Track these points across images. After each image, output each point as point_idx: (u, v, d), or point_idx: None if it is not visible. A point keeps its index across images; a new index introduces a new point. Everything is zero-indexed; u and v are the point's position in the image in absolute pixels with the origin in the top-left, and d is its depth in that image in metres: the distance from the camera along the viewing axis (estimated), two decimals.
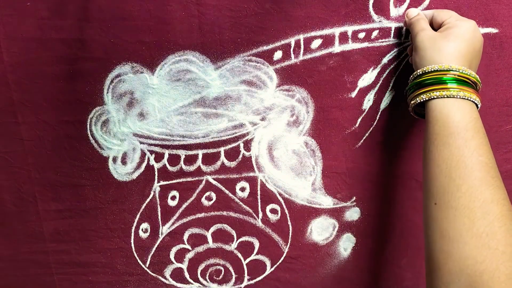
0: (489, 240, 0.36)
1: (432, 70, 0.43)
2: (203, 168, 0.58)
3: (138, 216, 0.60)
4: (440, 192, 0.40)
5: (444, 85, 0.42)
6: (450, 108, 0.42)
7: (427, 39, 0.45)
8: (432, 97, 0.43)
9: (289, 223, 0.59)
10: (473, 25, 0.45)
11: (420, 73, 0.44)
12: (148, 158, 0.58)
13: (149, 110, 0.55)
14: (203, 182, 0.58)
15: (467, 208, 0.38)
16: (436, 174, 0.41)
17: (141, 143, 0.57)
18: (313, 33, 0.52)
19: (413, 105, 0.46)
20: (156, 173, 0.58)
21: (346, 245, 0.61)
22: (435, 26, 0.48)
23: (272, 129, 0.56)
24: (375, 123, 0.55)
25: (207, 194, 0.59)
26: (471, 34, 0.45)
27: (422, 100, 0.44)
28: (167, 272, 0.62)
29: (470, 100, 0.42)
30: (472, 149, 0.40)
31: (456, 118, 0.41)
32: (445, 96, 0.42)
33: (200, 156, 0.57)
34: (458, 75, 0.42)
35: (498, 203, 0.37)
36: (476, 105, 0.43)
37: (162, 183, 0.59)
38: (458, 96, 0.42)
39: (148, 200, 0.59)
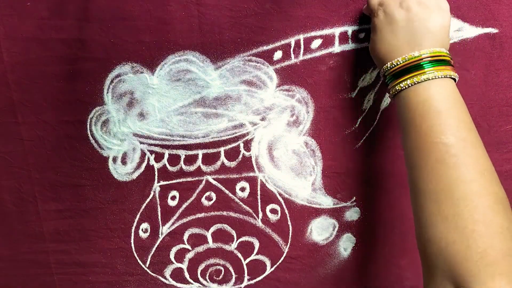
0: (456, 220, 0.36)
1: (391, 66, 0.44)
2: (203, 168, 0.58)
3: (138, 216, 0.60)
4: (410, 179, 0.41)
5: (404, 76, 0.42)
6: (404, 99, 0.42)
7: (372, 44, 0.47)
8: (396, 90, 0.43)
9: (289, 223, 0.59)
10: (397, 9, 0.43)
11: (392, 65, 0.44)
12: (148, 158, 0.58)
13: (149, 110, 0.55)
14: (203, 182, 0.58)
15: (432, 192, 0.38)
16: (406, 161, 0.42)
17: (141, 143, 0.57)
18: (313, 33, 0.52)
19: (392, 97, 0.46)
20: (156, 173, 0.58)
21: (346, 245, 0.61)
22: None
23: (272, 129, 0.56)
24: (375, 123, 0.55)
25: (207, 194, 0.59)
26: (399, 17, 0.43)
27: (394, 93, 0.44)
28: (167, 272, 0.62)
29: (431, 79, 0.41)
30: (424, 132, 0.39)
31: (406, 107, 0.42)
32: (400, 88, 0.42)
33: (200, 156, 0.57)
34: (397, 67, 0.43)
35: (462, 182, 0.37)
36: (454, 79, 0.42)
37: (162, 183, 0.59)
38: (408, 85, 0.41)
39: (148, 200, 0.59)
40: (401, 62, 0.42)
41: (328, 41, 0.52)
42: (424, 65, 0.41)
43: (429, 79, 0.41)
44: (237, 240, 0.60)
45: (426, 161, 0.39)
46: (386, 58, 0.44)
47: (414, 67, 0.42)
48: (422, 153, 0.39)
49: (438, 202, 0.37)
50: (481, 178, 0.37)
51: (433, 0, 0.43)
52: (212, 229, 0.60)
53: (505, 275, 0.35)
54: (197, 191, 0.59)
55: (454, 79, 0.42)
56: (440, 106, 0.40)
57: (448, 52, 0.43)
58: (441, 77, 0.41)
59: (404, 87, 0.42)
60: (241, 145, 0.57)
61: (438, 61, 0.42)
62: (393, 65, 0.43)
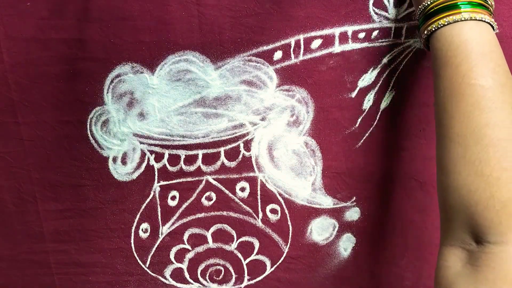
0: (482, 166, 0.34)
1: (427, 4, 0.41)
2: (203, 168, 0.58)
3: (138, 216, 0.60)
4: (439, 125, 0.38)
5: (453, 10, 0.39)
6: (442, 39, 0.39)
7: None
8: (434, 28, 0.40)
9: (289, 223, 0.59)
10: None
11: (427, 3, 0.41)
12: (148, 158, 0.58)
13: (149, 110, 0.55)
14: (203, 182, 0.58)
15: (460, 136, 0.35)
16: (436, 108, 0.39)
17: (141, 143, 0.57)
18: (313, 33, 0.52)
19: (424, 40, 0.43)
20: (156, 173, 0.58)
21: (346, 245, 0.61)
22: None
23: (272, 129, 0.56)
24: (375, 123, 0.55)
25: (207, 194, 0.59)
26: None
27: (427, 34, 0.41)
28: (167, 272, 0.62)
29: (476, 19, 0.38)
30: (462, 74, 0.37)
31: (445, 47, 0.39)
32: (445, 23, 0.39)
33: (200, 156, 0.57)
34: (434, 3, 0.39)
35: (494, 127, 0.35)
36: (491, 26, 0.40)
37: (162, 183, 0.59)
38: (462, 19, 0.38)
39: (148, 200, 0.59)
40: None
41: (328, 41, 0.52)
42: (460, 5, 0.38)
43: (466, 19, 0.38)
44: (237, 240, 0.60)
45: (459, 103, 0.36)
46: None
47: (452, 6, 0.39)
48: (456, 95, 0.37)
49: (465, 146, 0.35)
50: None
51: None
52: (212, 229, 0.60)
53: None
54: (197, 191, 0.59)
55: (492, 26, 0.40)
56: (482, 48, 0.38)
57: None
58: (479, 20, 0.38)
59: (441, 25, 0.39)
60: (241, 145, 0.57)
61: (477, 4, 0.39)
62: (432, 1, 0.40)
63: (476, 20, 0.38)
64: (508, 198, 0.33)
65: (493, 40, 0.39)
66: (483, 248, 0.33)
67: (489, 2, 0.41)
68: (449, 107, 0.37)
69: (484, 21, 0.39)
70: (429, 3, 0.41)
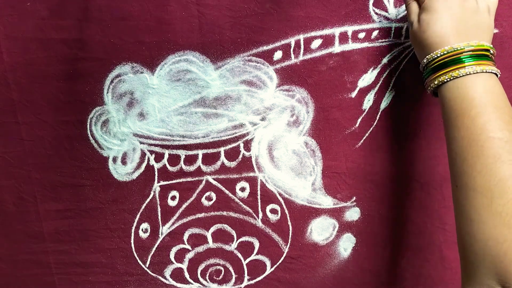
0: (509, 218, 0.35)
1: (440, 54, 0.42)
2: (203, 168, 0.58)
3: (138, 216, 0.60)
4: (458, 174, 0.39)
5: (458, 64, 0.40)
6: (457, 90, 0.40)
7: (411, 37, 0.46)
8: (446, 79, 0.41)
9: (289, 223, 0.59)
10: None
11: (430, 59, 0.43)
12: (148, 158, 0.58)
13: (149, 110, 0.55)
14: (203, 182, 0.58)
15: (484, 188, 0.37)
16: (452, 156, 0.40)
17: (141, 143, 0.57)
18: (313, 33, 0.52)
19: (431, 89, 0.44)
20: (156, 173, 0.58)
21: (346, 245, 0.61)
22: None
23: (272, 129, 0.56)
24: (375, 123, 0.55)
25: (207, 194, 0.59)
26: (444, 10, 0.42)
27: (438, 84, 0.42)
28: (167, 272, 0.62)
29: (484, 72, 0.40)
30: (481, 126, 0.38)
31: (460, 98, 0.40)
32: (456, 76, 0.40)
33: (200, 156, 0.57)
34: (445, 56, 0.41)
35: None
36: (496, 74, 0.41)
37: (162, 183, 0.59)
38: (472, 72, 0.40)
39: (148, 200, 0.59)
40: (442, 54, 0.41)
41: (328, 41, 0.52)
42: (464, 59, 0.40)
43: (471, 73, 0.40)
44: (237, 240, 0.60)
45: (479, 156, 0.38)
46: (436, 44, 0.42)
47: (456, 60, 0.41)
48: (475, 146, 0.38)
49: (490, 197, 0.36)
50: None
51: None
52: (212, 229, 0.60)
53: None
54: (197, 191, 0.59)
55: (496, 74, 0.42)
56: (496, 102, 0.39)
57: (491, 46, 0.42)
58: (485, 72, 0.40)
59: (453, 77, 0.41)
60: (241, 145, 0.57)
61: (479, 56, 0.41)
62: (437, 55, 0.42)
63: (485, 72, 0.40)
64: None
65: (502, 92, 0.40)
66: None
67: (492, 52, 0.42)
68: (469, 157, 0.38)
69: (492, 73, 0.41)
70: (435, 56, 0.42)
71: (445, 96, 0.42)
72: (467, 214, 0.38)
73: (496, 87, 0.40)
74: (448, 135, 0.41)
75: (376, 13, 0.51)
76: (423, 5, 0.44)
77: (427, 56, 0.43)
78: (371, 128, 0.56)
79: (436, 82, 0.42)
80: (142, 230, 0.61)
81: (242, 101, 0.55)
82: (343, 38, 0.52)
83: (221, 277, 0.62)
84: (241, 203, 0.59)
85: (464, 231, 0.38)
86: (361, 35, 0.52)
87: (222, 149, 0.57)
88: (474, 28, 0.42)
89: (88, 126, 0.56)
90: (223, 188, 0.58)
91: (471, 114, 0.39)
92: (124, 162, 0.58)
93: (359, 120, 0.55)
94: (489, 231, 0.36)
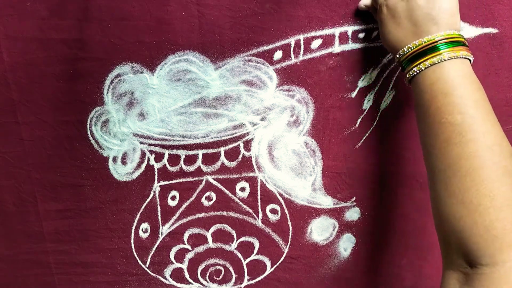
0: (462, 195, 0.37)
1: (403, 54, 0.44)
2: (203, 168, 0.58)
3: (138, 216, 0.60)
4: (425, 162, 0.42)
5: (421, 59, 0.42)
6: (416, 83, 0.43)
7: (383, 32, 0.47)
8: (410, 75, 0.43)
9: (289, 223, 0.59)
10: None
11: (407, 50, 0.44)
12: (148, 158, 0.58)
13: (149, 110, 0.55)
14: (203, 182, 0.58)
15: (440, 170, 0.39)
16: (421, 145, 0.43)
17: (141, 143, 0.57)
18: (313, 33, 0.52)
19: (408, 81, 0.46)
20: (156, 173, 0.58)
21: (346, 245, 0.61)
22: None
23: (272, 129, 0.56)
24: (375, 123, 0.55)
25: (207, 194, 0.59)
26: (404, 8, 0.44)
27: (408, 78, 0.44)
28: (167, 272, 0.62)
29: (450, 58, 0.41)
30: (432, 114, 0.40)
31: (416, 92, 0.43)
32: (412, 74, 0.43)
33: (200, 156, 0.57)
34: (412, 51, 0.43)
35: (468, 158, 0.37)
36: (470, 60, 0.42)
37: (162, 183, 0.59)
38: (421, 68, 0.42)
39: (148, 200, 0.59)
40: (417, 45, 0.43)
41: (328, 41, 0.52)
42: (439, 47, 0.41)
43: (444, 60, 0.41)
44: (237, 240, 0.60)
45: (435, 141, 0.40)
46: (396, 48, 0.45)
47: (430, 49, 0.42)
48: (431, 134, 0.40)
49: (445, 179, 0.38)
50: (488, 152, 0.37)
51: None
52: (212, 229, 0.60)
53: None
54: (197, 191, 0.59)
55: (470, 60, 0.43)
56: (447, 87, 0.40)
57: (460, 34, 0.43)
58: (455, 58, 0.41)
59: (418, 71, 0.42)
60: (241, 145, 0.57)
61: (452, 43, 0.42)
62: (410, 49, 0.43)
63: (453, 59, 0.41)
64: (490, 222, 0.35)
65: (465, 74, 0.41)
66: (476, 270, 0.36)
67: (461, 36, 0.43)
68: (428, 145, 0.41)
69: (461, 57, 0.42)
70: (409, 49, 0.43)
71: (413, 89, 0.44)
72: (433, 197, 0.40)
73: (455, 71, 0.41)
74: (423, 118, 0.43)
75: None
76: (377, 19, 0.47)
77: (399, 51, 0.44)
78: (371, 128, 0.56)
79: (412, 72, 0.43)
80: (142, 230, 0.61)
81: (242, 101, 0.55)
82: (343, 38, 0.52)
83: (221, 277, 0.62)
84: (241, 203, 0.59)
85: (435, 214, 0.40)
86: (361, 35, 0.52)
87: (222, 149, 0.57)
88: (428, 24, 0.43)
89: (88, 126, 0.56)
90: (223, 188, 0.58)
91: (426, 103, 0.41)
92: (124, 162, 0.58)
93: (359, 120, 0.55)
94: (448, 210, 0.38)
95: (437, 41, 0.42)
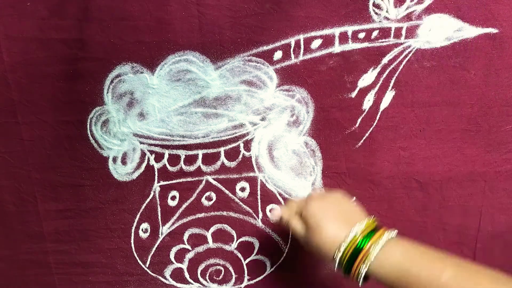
0: None
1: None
2: (203, 168, 0.58)
3: (138, 216, 0.60)
4: None
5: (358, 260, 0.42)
6: (377, 275, 0.42)
7: (308, 247, 0.47)
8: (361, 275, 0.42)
9: None
10: (311, 205, 0.45)
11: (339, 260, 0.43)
12: (148, 158, 0.58)
13: (149, 110, 0.55)
14: (203, 182, 0.58)
15: None
16: None
17: (141, 143, 0.57)
18: (313, 33, 0.52)
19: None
20: (156, 173, 0.58)
21: None
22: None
23: (272, 129, 0.56)
24: (375, 123, 0.55)
25: (207, 194, 0.59)
26: (310, 212, 0.45)
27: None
28: (167, 272, 0.62)
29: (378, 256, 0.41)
30: None
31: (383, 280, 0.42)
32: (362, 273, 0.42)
33: (200, 156, 0.57)
34: (347, 254, 0.42)
35: None
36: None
37: (162, 183, 0.59)
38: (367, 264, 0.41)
39: (148, 200, 0.59)
40: (343, 255, 0.43)
41: (328, 41, 0.52)
42: (362, 243, 0.42)
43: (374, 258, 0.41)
44: (237, 240, 0.60)
45: None
46: (325, 255, 0.44)
47: (356, 251, 0.42)
48: None
49: None
50: None
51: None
52: (212, 229, 0.60)
53: None
54: (197, 191, 0.59)
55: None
56: (414, 268, 0.40)
57: (372, 220, 0.44)
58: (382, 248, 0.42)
59: (365, 268, 0.42)
60: (241, 145, 0.57)
61: (368, 235, 0.42)
62: (341, 254, 0.43)
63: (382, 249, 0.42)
64: None
65: (416, 246, 0.42)
66: None
67: (372, 222, 0.44)
68: None
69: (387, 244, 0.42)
70: (339, 260, 0.43)
71: (379, 278, 0.42)
72: None
73: (407, 247, 0.42)
74: None
75: (376, 13, 0.51)
76: (302, 220, 0.47)
77: (335, 258, 0.43)
78: (371, 128, 0.56)
79: (362, 272, 0.42)
80: (142, 230, 0.61)
81: (242, 101, 0.55)
82: (343, 38, 0.52)
83: (221, 277, 0.62)
84: (241, 203, 0.59)
85: None
86: (361, 35, 0.52)
87: (222, 149, 0.57)
88: (349, 217, 0.45)
89: (88, 126, 0.56)
90: (223, 188, 0.58)
91: (410, 275, 0.40)
92: (124, 162, 0.58)
93: (359, 120, 0.55)
94: None
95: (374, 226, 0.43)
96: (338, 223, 0.44)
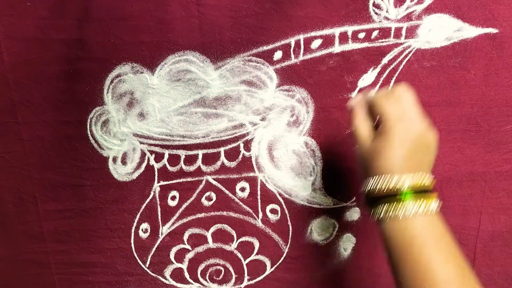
0: None
1: (382, 188, 0.41)
2: (203, 168, 0.58)
3: (138, 216, 0.60)
4: None
5: (396, 203, 0.40)
6: (396, 228, 0.40)
7: (358, 156, 0.44)
8: (386, 216, 0.41)
9: (289, 223, 0.59)
10: (405, 126, 0.41)
11: (370, 188, 0.42)
12: (148, 158, 0.58)
13: (149, 110, 0.55)
14: (203, 182, 0.58)
15: None
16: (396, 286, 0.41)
17: (141, 143, 0.57)
18: (313, 33, 0.52)
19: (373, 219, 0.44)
20: (156, 173, 0.58)
21: (346, 245, 0.61)
22: (374, 115, 0.44)
23: (272, 129, 0.56)
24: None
25: (207, 194, 0.59)
26: (404, 136, 0.41)
27: (378, 216, 0.42)
28: (167, 272, 0.62)
29: (422, 209, 0.40)
30: (424, 264, 0.39)
31: (400, 237, 0.40)
32: (389, 215, 0.40)
33: (200, 156, 0.57)
34: (388, 190, 0.40)
35: None
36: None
37: (162, 183, 0.59)
38: (409, 213, 0.40)
39: (148, 200, 0.59)
40: (385, 184, 0.40)
41: (328, 41, 0.52)
42: (402, 195, 0.40)
43: (412, 213, 0.40)
44: (237, 240, 0.60)
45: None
46: (383, 171, 0.41)
47: (398, 198, 0.40)
48: (418, 283, 0.39)
49: None
50: None
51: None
52: (212, 229, 0.60)
53: None
54: (197, 191, 0.59)
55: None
56: (436, 241, 0.40)
57: (430, 182, 0.42)
58: (424, 212, 0.40)
59: (389, 215, 0.40)
60: (241, 145, 0.57)
61: (420, 192, 0.40)
62: (380, 185, 0.41)
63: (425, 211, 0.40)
64: None
65: (443, 230, 0.41)
66: None
67: (430, 184, 0.42)
68: None
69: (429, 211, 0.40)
70: (373, 188, 0.41)
71: (390, 230, 0.41)
72: None
73: (435, 225, 0.40)
74: (392, 266, 0.41)
75: (376, 13, 0.51)
76: (379, 129, 0.43)
77: (371, 182, 0.42)
78: None
79: (381, 215, 0.41)
80: (142, 230, 0.61)
81: (242, 101, 0.55)
82: (343, 38, 0.52)
83: (221, 277, 0.62)
84: (241, 203, 0.59)
85: None
86: (361, 35, 0.52)
87: (222, 149, 0.57)
88: (421, 163, 0.42)
89: (88, 126, 0.56)
90: (223, 188, 0.58)
91: (415, 251, 0.39)
92: (124, 162, 0.58)
93: None
94: None
95: (429, 186, 0.41)
96: (407, 159, 0.40)
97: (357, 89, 0.54)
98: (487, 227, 0.59)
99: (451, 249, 0.40)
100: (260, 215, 0.59)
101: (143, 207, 0.60)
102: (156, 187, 0.59)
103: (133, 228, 0.61)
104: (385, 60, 0.53)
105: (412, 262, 0.39)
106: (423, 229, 0.40)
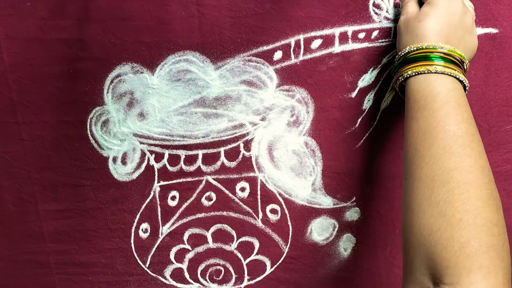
0: (446, 207, 0.35)
1: (418, 48, 0.43)
2: (203, 168, 0.58)
3: (138, 216, 0.60)
4: (408, 166, 0.40)
5: (429, 61, 0.42)
6: (424, 83, 0.42)
7: (402, 23, 0.46)
8: (415, 72, 0.43)
9: (289, 223, 0.59)
10: (448, 2, 0.44)
11: (406, 51, 0.44)
12: (148, 158, 0.58)
13: (149, 110, 0.55)
14: (203, 182, 0.58)
15: (428, 178, 0.37)
16: (406, 148, 0.41)
17: (141, 143, 0.57)
18: (313, 33, 0.52)
19: (399, 82, 0.45)
20: (156, 173, 0.58)
21: (346, 245, 0.61)
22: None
23: (272, 129, 0.56)
24: (375, 123, 0.55)
25: (207, 194, 0.59)
26: (444, 9, 0.44)
27: (407, 76, 0.44)
28: (167, 272, 0.62)
29: (452, 76, 0.42)
30: (439, 119, 0.39)
31: (426, 92, 0.41)
32: (428, 71, 0.42)
33: (200, 156, 0.57)
34: (444, 53, 0.42)
35: (462, 171, 0.36)
36: (464, 85, 0.43)
37: (162, 183, 0.59)
38: (441, 72, 0.41)
39: (148, 200, 0.59)
40: (420, 48, 0.43)
41: (328, 41, 0.52)
42: (433, 58, 0.42)
43: (442, 73, 0.42)
44: (237, 240, 0.60)
45: (432, 145, 0.38)
46: (424, 37, 0.44)
47: (430, 57, 0.42)
48: (429, 137, 0.39)
49: (432, 187, 0.36)
50: (480, 172, 0.37)
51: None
52: (212, 229, 0.60)
53: (484, 269, 0.33)
54: (197, 191, 0.59)
55: (465, 86, 0.43)
56: (458, 100, 0.40)
57: (466, 60, 0.44)
58: (453, 76, 0.42)
59: (421, 72, 0.42)
60: (241, 145, 0.57)
61: (452, 62, 0.43)
62: (416, 48, 0.43)
63: (453, 76, 0.42)
64: (467, 239, 0.34)
65: (464, 97, 0.42)
66: None
67: (466, 65, 0.44)
68: (421, 148, 0.39)
69: (458, 79, 0.42)
70: (414, 48, 0.43)
71: (412, 88, 0.43)
72: (409, 205, 0.38)
73: (459, 90, 0.42)
74: (406, 127, 0.42)
75: (376, 13, 0.51)
76: (426, 3, 0.46)
77: (409, 45, 0.44)
78: (371, 128, 0.56)
79: (409, 72, 0.43)
80: (142, 230, 0.61)
81: (242, 101, 0.55)
82: (343, 38, 0.52)
83: (221, 277, 0.62)
84: (241, 203, 0.59)
85: (405, 222, 0.38)
86: (361, 35, 0.52)
87: (222, 149, 0.57)
88: (461, 39, 0.45)
89: (88, 126, 0.56)
90: (223, 188, 0.58)
91: (433, 107, 0.40)
92: (124, 162, 0.58)
93: (359, 120, 0.55)
94: (426, 221, 0.36)
95: (463, 60, 0.44)
96: (445, 30, 0.43)
97: (357, 89, 0.54)
98: None
99: (469, 118, 0.40)
100: (260, 215, 0.59)
101: (143, 207, 0.60)
102: (156, 187, 0.59)
103: (133, 228, 0.61)
104: (385, 60, 0.53)
105: (429, 116, 0.40)
106: (449, 91, 0.41)
